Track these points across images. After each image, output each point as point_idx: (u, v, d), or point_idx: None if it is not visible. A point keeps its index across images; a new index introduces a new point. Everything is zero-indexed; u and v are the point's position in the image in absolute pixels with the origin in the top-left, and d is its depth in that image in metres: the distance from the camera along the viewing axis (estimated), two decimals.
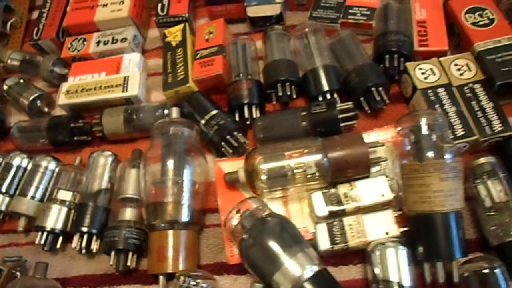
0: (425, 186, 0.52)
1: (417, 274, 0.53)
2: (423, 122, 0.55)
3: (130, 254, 0.59)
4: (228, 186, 0.62)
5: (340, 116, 0.60)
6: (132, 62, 0.73)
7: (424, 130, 0.55)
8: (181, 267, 0.56)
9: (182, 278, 0.53)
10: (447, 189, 0.52)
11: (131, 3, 0.76)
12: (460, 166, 0.53)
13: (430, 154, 0.54)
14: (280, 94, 0.65)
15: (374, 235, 0.55)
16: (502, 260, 0.52)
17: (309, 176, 0.57)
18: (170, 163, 0.60)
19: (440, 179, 0.52)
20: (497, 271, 0.50)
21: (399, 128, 0.57)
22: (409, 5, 0.70)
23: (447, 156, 0.53)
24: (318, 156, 0.57)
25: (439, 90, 0.62)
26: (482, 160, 0.57)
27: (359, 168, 0.57)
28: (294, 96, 0.66)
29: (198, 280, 0.53)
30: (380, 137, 0.61)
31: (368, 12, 0.72)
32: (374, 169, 0.59)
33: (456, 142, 0.58)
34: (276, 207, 0.60)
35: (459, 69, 0.63)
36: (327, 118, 0.60)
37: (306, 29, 0.69)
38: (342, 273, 0.57)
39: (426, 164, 0.52)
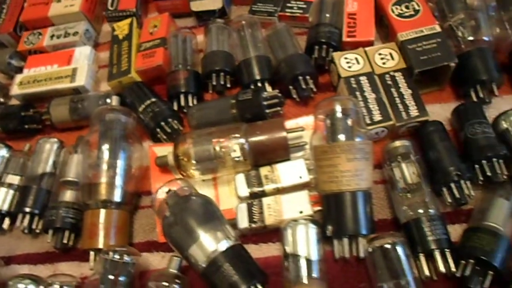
0: (333, 167, 0.55)
1: (330, 251, 0.56)
2: (337, 107, 0.59)
3: (67, 232, 0.63)
4: (162, 170, 0.65)
5: (265, 102, 0.63)
6: (82, 55, 0.77)
7: (338, 115, 0.58)
8: (111, 243, 0.60)
9: (106, 252, 0.57)
10: (353, 169, 0.55)
11: None
12: (368, 149, 0.56)
13: (341, 137, 0.57)
14: (214, 83, 0.69)
15: (290, 214, 0.58)
16: (408, 237, 0.55)
17: (234, 159, 0.61)
18: (106, 148, 0.64)
19: (347, 160, 0.55)
20: (398, 246, 0.53)
21: (317, 113, 0.61)
22: None
23: (357, 139, 0.57)
24: (241, 141, 0.60)
25: (361, 78, 0.65)
26: (397, 143, 0.60)
27: (278, 152, 0.61)
28: (228, 85, 0.70)
29: (123, 255, 0.57)
30: (308, 122, 0.65)
31: (304, 6, 0.75)
32: (299, 153, 0.63)
33: (374, 126, 0.61)
34: (207, 190, 0.64)
35: (382, 58, 0.66)
36: (252, 104, 0.64)
37: (243, 22, 0.73)
38: (262, 250, 0.60)
39: (334, 145, 0.56)
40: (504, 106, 0.63)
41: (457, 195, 0.56)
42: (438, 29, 0.66)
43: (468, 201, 0.57)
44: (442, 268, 0.52)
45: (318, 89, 0.69)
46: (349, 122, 0.58)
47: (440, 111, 0.66)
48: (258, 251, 0.60)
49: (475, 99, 0.64)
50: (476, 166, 0.58)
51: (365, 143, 0.56)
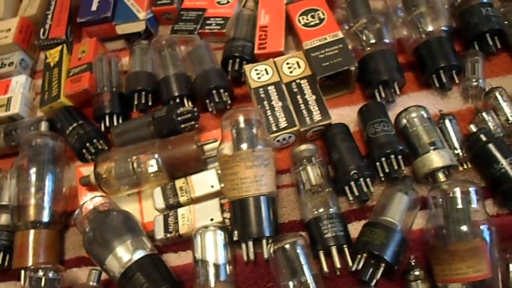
0: (234, 175, 0.58)
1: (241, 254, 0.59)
2: (240, 117, 0.62)
3: (1, 254, 0.67)
4: (89, 188, 0.69)
5: (179, 118, 0.67)
6: (19, 84, 0.81)
7: (241, 125, 0.62)
8: (40, 261, 0.64)
9: (32, 270, 0.60)
10: (252, 176, 0.58)
11: (17, 30, 0.84)
12: (267, 155, 0.60)
13: (244, 146, 0.60)
14: (136, 103, 0.73)
15: (202, 222, 0.61)
16: (309, 236, 0.59)
17: (152, 174, 0.65)
18: (34, 171, 0.67)
19: (246, 167, 0.58)
20: (297, 245, 0.56)
21: (223, 124, 0.64)
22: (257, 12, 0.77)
23: (259, 147, 0.60)
24: (155, 156, 0.64)
25: (270, 88, 0.68)
26: (302, 147, 0.63)
27: (190, 164, 0.64)
28: (150, 103, 0.73)
29: (48, 272, 0.60)
30: None
31: (222, 22, 0.79)
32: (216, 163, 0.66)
33: (280, 133, 0.65)
34: (132, 204, 0.67)
35: (289, 67, 0.70)
36: (167, 121, 0.67)
37: (163, 42, 0.76)
38: (181, 258, 0.63)
39: (234, 155, 0.59)
40: (410, 103, 0.67)
41: (356, 193, 0.60)
42: (340, 35, 0.69)
43: (369, 198, 0.61)
44: (337, 263, 0.56)
45: (236, 101, 0.73)
46: (254, 131, 0.62)
47: (350, 112, 0.69)
48: (177, 259, 0.63)
49: (379, 99, 0.67)
50: (377, 163, 0.61)
51: (264, 151, 0.59)
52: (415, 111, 0.64)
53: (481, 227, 0.53)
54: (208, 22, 0.79)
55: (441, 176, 0.60)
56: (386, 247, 0.54)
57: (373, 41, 0.69)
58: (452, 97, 0.69)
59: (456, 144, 0.63)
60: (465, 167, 0.63)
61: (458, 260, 0.51)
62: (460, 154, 0.63)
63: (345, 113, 0.69)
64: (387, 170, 0.60)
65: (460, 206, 0.54)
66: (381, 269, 0.54)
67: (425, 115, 0.64)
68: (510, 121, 0.64)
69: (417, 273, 0.54)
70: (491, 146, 0.60)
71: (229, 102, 0.70)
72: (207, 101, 0.70)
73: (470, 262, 0.51)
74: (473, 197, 0.55)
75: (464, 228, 0.52)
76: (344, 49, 0.67)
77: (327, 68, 0.66)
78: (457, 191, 0.55)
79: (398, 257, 0.54)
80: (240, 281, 0.59)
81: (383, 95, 0.67)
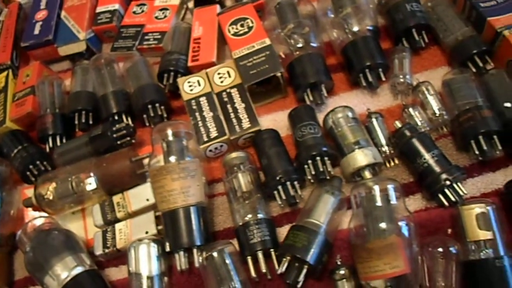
0: (162, 188, 0.60)
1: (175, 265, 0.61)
2: (168, 131, 0.64)
3: None
4: (35, 209, 0.71)
5: (114, 135, 0.69)
6: None
7: (170, 138, 0.63)
8: None
9: None
10: (179, 187, 0.59)
11: None
12: (193, 167, 0.61)
13: (172, 158, 0.62)
14: (76, 122, 0.75)
15: (137, 235, 0.63)
16: (238, 242, 0.60)
17: (91, 192, 0.66)
18: None
19: (172, 180, 0.59)
20: (224, 253, 0.57)
21: (153, 138, 0.65)
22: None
23: (187, 159, 0.62)
24: (91, 174, 0.66)
25: (201, 99, 0.70)
26: (233, 155, 0.65)
27: (125, 179, 0.66)
28: (91, 122, 0.75)
29: None
30: None
31: (159, 36, 0.80)
32: None
33: (211, 143, 0.66)
34: (76, 221, 0.69)
35: (220, 77, 0.71)
36: (102, 139, 0.69)
37: (102, 61, 0.78)
38: (122, 271, 0.64)
39: (161, 168, 0.60)
40: (341, 104, 0.67)
41: (283, 197, 0.61)
42: (268, 42, 0.70)
43: (298, 200, 0.62)
44: (263, 268, 0.57)
45: (174, 114, 0.74)
46: (183, 143, 0.63)
47: (283, 117, 0.70)
48: (118, 273, 0.64)
49: (308, 102, 0.69)
50: (305, 166, 0.62)
51: (190, 162, 0.61)
52: (340, 111, 0.65)
53: (400, 223, 0.54)
54: (146, 37, 0.81)
55: (367, 175, 0.61)
56: (308, 249, 0.55)
57: (300, 45, 0.70)
58: (382, 94, 0.70)
59: (383, 142, 0.64)
60: (393, 164, 0.64)
61: (375, 258, 0.52)
62: (387, 151, 0.64)
63: (279, 118, 0.70)
64: (313, 173, 0.61)
65: (378, 203, 0.55)
66: (304, 271, 0.55)
67: (350, 115, 0.65)
68: (437, 115, 0.65)
69: (342, 272, 0.56)
70: (414, 141, 0.61)
71: (165, 115, 0.72)
72: (144, 116, 0.72)
73: (386, 259, 0.52)
74: (392, 194, 0.56)
75: (381, 225, 0.53)
76: (271, 55, 0.69)
77: (254, 76, 0.67)
78: (376, 189, 0.56)
79: (321, 258, 0.55)
80: None
81: (311, 98, 0.68)
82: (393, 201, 0.55)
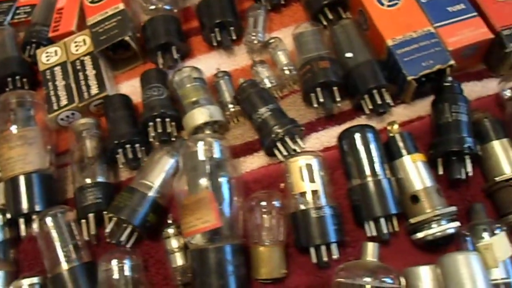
0: (1, 157, 0.60)
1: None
2: (13, 100, 0.64)
3: None
4: None
5: None
6: None
7: (12, 107, 0.63)
8: None
9: None
10: (16, 155, 0.60)
11: None
12: (32, 134, 0.61)
13: (13, 127, 0.62)
14: None
15: None
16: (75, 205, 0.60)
17: None
18: None
19: (9, 148, 0.60)
20: (57, 217, 0.57)
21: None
22: None
23: (28, 128, 0.62)
24: None
25: (56, 68, 0.69)
26: (82, 121, 0.64)
27: None
28: None
29: None
30: None
31: (29, 9, 0.80)
32: None
33: (61, 111, 0.66)
34: None
35: (76, 46, 0.70)
36: None
37: None
38: None
39: (0, 137, 0.61)
40: (199, 66, 0.67)
41: (123, 160, 0.61)
42: (121, 7, 0.69)
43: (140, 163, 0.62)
44: (92, 230, 0.57)
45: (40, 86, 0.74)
46: (29, 112, 0.64)
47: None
48: None
49: (161, 65, 0.68)
50: (149, 128, 0.62)
51: (27, 130, 0.61)
52: (184, 72, 0.64)
53: (220, 179, 0.54)
54: (17, 11, 0.80)
55: (207, 133, 0.61)
56: (131, 210, 0.55)
57: (153, 7, 0.69)
58: (239, 54, 0.69)
59: (228, 100, 0.63)
60: (238, 121, 0.64)
61: (189, 213, 0.52)
62: (232, 109, 0.63)
63: (137, 84, 0.69)
64: (152, 134, 0.61)
65: (196, 159, 0.54)
66: (127, 231, 0.55)
67: (194, 75, 0.64)
68: (285, 70, 0.64)
69: (170, 230, 0.56)
70: (252, 95, 0.60)
71: (26, 87, 0.71)
72: (7, 89, 0.72)
73: (198, 214, 0.51)
74: (216, 149, 0.56)
75: (196, 181, 0.53)
76: (122, 20, 0.68)
77: (103, 41, 0.67)
78: (193, 145, 0.55)
79: (146, 218, 0.55)
80: (22, 258, 0.61)
81: (160, 61, 0.67)
82: (217, 155, 0.55)
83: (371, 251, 0.49)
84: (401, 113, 0.61)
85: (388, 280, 0.46)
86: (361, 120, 0.61)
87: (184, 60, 0.69)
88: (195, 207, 0.52)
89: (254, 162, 0.61)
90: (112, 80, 0.69)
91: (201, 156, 0.55)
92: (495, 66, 0.61)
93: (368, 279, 0.46)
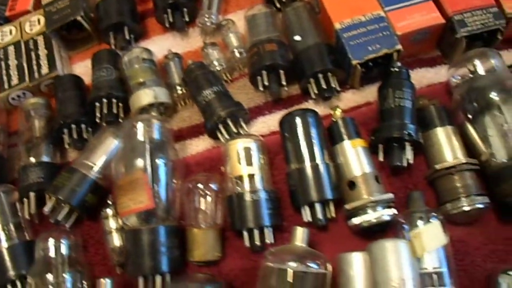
0: None
1: None
2: None
3: None
4: None
5: None
6: None
7: None
8: None
9: None
10: None
11: None
12: None
13: None
14: None
15: None
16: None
17: None
18: None
19: None
20: None
21: None
22: None
23: None
24: None
25: (10, 48, 0.69)
26: (30, 101, 0.64)
27: None
28: None
29: None
30: None
31: None
32: None
33: (10, 90, 0.66)
34: None
35: (31, 25, 0.70)
36: None
37: None
38: None
39: None
40: (153, 47, 0.66)
41: (68, 140, 0.60)
42: None
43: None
44: (32, 208, 0.57)
45: None
46: None
47: None
48: None
49: (113, 46, 0.67)
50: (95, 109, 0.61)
51: None
52: (133, 53, 0.63)
53: (158, 161, 0.53)
54: None
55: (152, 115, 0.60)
56: (69, 190, 0.55)
57: None
58: (193, 36, 0.68)
59: (177, 82, 0.63)
60: (183, 104, 0.63)
61: (123, 194, 0.52)
62: (180, 91, 0.62)
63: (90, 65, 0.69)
64: (98, 115, 0.61)
65: (137, 139, 0.54)
66: (65, 210, 0.55)
67: (144, 56, 0.63)
68: (235, 53, 0.63)
69: (108, 211, 0.56)
70: (198, 77, 0.60)
71: None
72: None
73: (131, 195, 0.51)
74: (156, 130, 0.55)
75: (131, 161, 0.53)
76: (75, 0, 0.67)
77: (56, 21, 0.66)
78: (139, 126, 0.55)
79: (84, 198, 0.55)
80: None
81: (113, 41, 0.66)
82: (156, 136, 0.55)
83: (300, 236, 0.48)
84: (350, 98, 0.60)
85: (313, 265, 0.46)
86: (309, 105, 0.60)
87: (138, 42, 0.69)
88: (129, 188, 0.51)
89: (200, 145, 0.61)
90: (66, 61, 0.69)
91: (140, 136, 0.54)
92: (447, 52, 0.60)
93: (293, 264, 0.45)
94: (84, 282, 0.51)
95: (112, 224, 0.55)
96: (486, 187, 0.52)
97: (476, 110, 0.52)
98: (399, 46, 0.55)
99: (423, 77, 0.60)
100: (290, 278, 0.44)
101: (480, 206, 0.50)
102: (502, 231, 0.52)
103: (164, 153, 0.54)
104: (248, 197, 0.51)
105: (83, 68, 0.69)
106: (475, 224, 0.53)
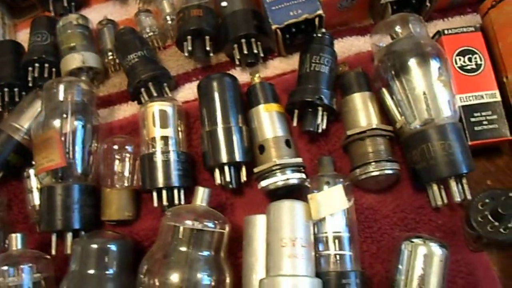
0: None
1: None
2: None
3: None
4: None
5: None
6: None
7: None
8: None
9: None
10: None
11: None
12: None
13: None
14: None
15: None
16: None
17: None
18: None
19: None
20: None
21: None
22: None
23: None
24: None
25: None
26: None
27: None
28: None
29: None
30: None
31: None
32: None
33: None
34: None
35: None
36: None
37: None
38: None
39: None
40: (93, 16, 0.67)
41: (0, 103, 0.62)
42: None
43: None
44: None
45: None
46: None
47: None
48: None
49: (52, 13, 0.68)
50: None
51: None
52: (68, 19, 0.64)
53: (76, 122, 0.54)
54: None
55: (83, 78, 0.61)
56: None
57: None
58: (132, 4, 0.69)
59: (109, 48, 0.63)
60: (114, 69, 0.64)
61: (38, 153, 0.53)
62: (110, 56, 0.63)
63: None
64: (29, 79, 0.61)
65: (57, 100, 0.55)
66: None
67: (77, 22, 0.64)
68: (167, 20, 0.63)
69: (30, 170, 0.57)
70: (125, 42, 0.60)
71: None
72: None
73: (45, 153, 0.52)
74: (77, 92, 0.56)
75: (47, 120, 0.53)
76: None
77: None
78: (60, 87, 0.56)
79: (7, 157, 0.56)
80: None
81: (51, 7, 0.67)
82: (77, 99, 0.55)
83: (200, 196, 0.48)
84: (277, 66, 0.60)
85: (210, 224, 0.46)
86: (236, 72, 0.60)
87: (79, 9, 0.69)
88: (43, 146, 0.52)
89: (128, 110, 0.61)
90: (9, 27, 0.70)
91: (60, 97, 0.55)
92: (377, 20, 0.59)
93: (189, 222, 0.46)
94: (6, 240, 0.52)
95: (33, 183, 0.56)
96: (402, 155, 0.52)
97: (392, 75, 0.51)
98: (320, 11, 0.54)
99: (352, 45, 0.59)
100: (181, 235, 0.45)
101: (389, 172, 0.49)
102: (414, 200, 0.51)
103: (83, 115, 0.54)
104: (158, 157, 0.52)
105: (27, 35, 0.70)
106: (388, 192, 0.52)
